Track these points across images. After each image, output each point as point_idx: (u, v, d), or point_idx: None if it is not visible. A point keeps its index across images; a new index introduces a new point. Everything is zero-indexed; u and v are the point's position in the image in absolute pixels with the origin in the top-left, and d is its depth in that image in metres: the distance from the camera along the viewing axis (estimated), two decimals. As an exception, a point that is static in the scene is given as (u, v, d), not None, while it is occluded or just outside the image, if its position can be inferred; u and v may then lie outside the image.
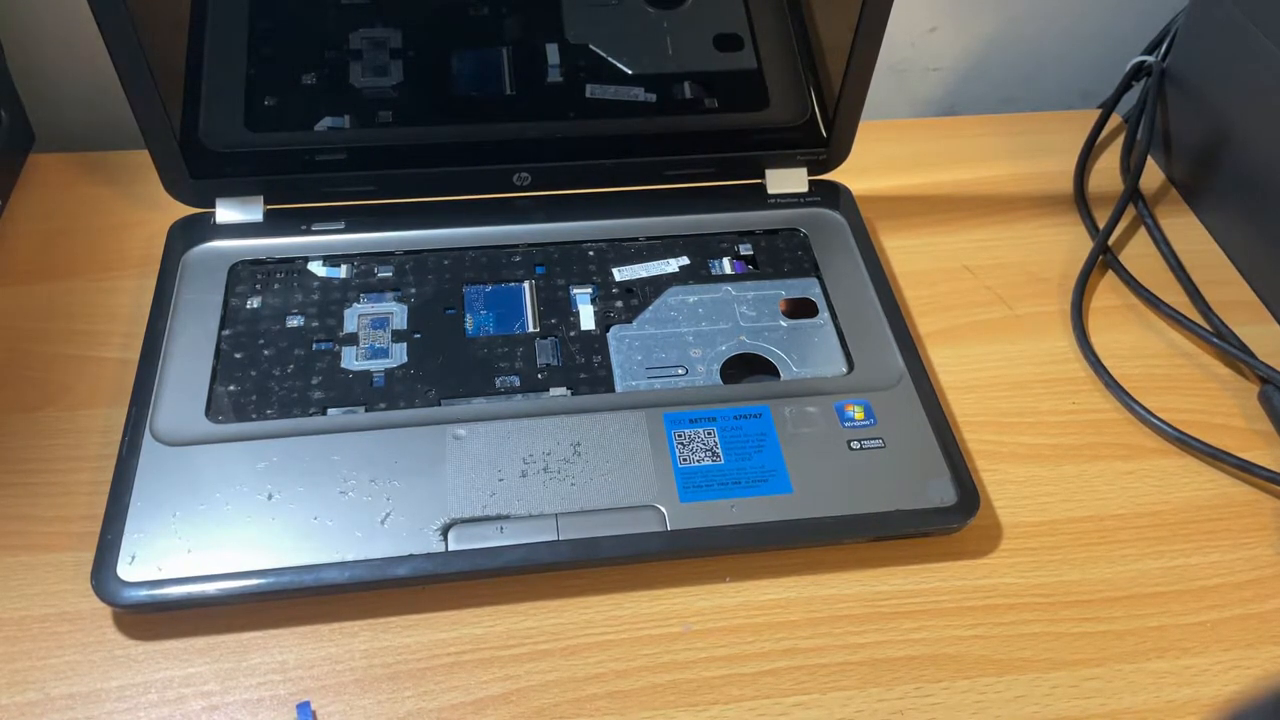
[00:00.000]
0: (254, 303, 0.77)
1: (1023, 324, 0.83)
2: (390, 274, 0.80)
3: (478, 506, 0.66)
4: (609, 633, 0.64)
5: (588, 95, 0.82)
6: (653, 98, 0.83)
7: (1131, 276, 0.86)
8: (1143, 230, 0.91)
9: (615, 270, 0.81)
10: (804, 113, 0.85)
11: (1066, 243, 0.90)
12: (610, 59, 0.81)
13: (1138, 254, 0.89)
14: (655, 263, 0.82)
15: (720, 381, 0.74)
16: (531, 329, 0.77)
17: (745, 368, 0.76)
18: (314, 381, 0.73)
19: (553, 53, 0.80)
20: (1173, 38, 0.96)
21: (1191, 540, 0.70)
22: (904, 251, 0.88)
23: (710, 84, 0.83)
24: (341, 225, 0.82)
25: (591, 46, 0.80)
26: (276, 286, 0.79)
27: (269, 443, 0.69)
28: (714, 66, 0.83)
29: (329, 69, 0.78)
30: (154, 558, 0.63)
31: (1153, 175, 0.97)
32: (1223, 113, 0.89)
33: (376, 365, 0.74)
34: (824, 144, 0.86)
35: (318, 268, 0.80)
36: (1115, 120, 1.03)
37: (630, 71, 0.81)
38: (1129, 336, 0.83)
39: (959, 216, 0.92)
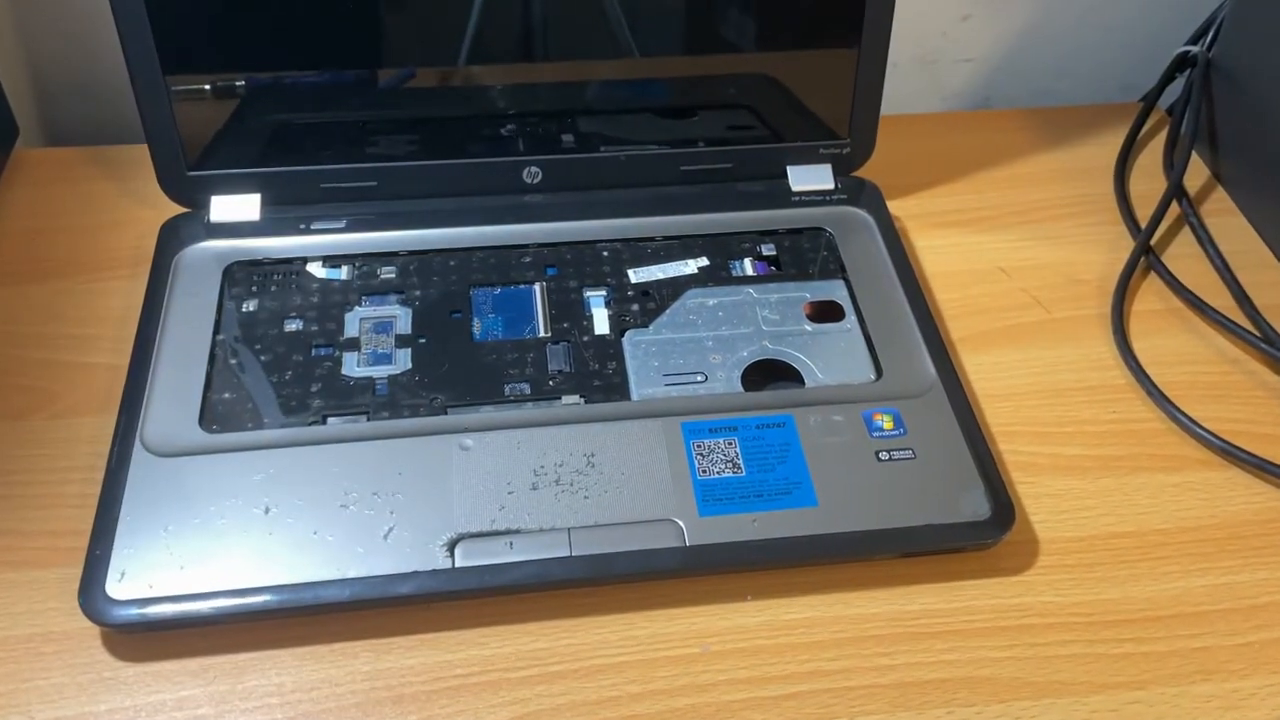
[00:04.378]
0: (250, 306, 0.77)
1: (1060, 328, 0.83)
2: (394, 275, 0.80)
3: (486, 521, 0.66)
4: (624, 654, 0.64)
5: (603, 89, 0.82)
6: (669, 90, 0.83)
7: (1175, 279, 0.86)
8: (1187, 230, 0.91)
9: (631, 272, 0.81)
10: (824, 105, 0.85)
11: (1106, 243, 0.90)
12: (626, 50, 0.81)
13: (1182, 255, 0.89)
14: (673, 264, 0.82)
15: (741, 389, 0.74)
16: (542, 333, 0.77)
17: (768, 374, 0.76)
18: (313, 389, 0.73)
19: (564, 45, 0.80)
20: (1218, 26, 0.96)
21: (1239, 557, 0.70)
22: (935, 252, 0.88)
23: (728, 77, 0.84)
24: (342, 224, 0.82)
25: (611, 41, 0.80)
26: (274, 289, 0.79)
27: (266, 453, 0.69)
28: (733, 60, 0.83)
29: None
30: (145, 574, 0.63)
31: (1197, 172, 0.97)
32: (1271, 105, 0.88)
33: (379, 372, 0.74)
34: (846, 137, 0.86)
35: (317, 269, 0.80)
36: (1158, 114, 1.02)
37: (646, 62, 0.82)
38: (1172, 342, 0.82)
39: (993, 215, 0.92)
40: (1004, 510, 0.68)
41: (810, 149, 0.86)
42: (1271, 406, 0.79)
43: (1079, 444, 0.76)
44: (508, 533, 0.66)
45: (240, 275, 0.79)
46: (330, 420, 0.71)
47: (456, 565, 0.64)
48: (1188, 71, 0.99)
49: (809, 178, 0.87)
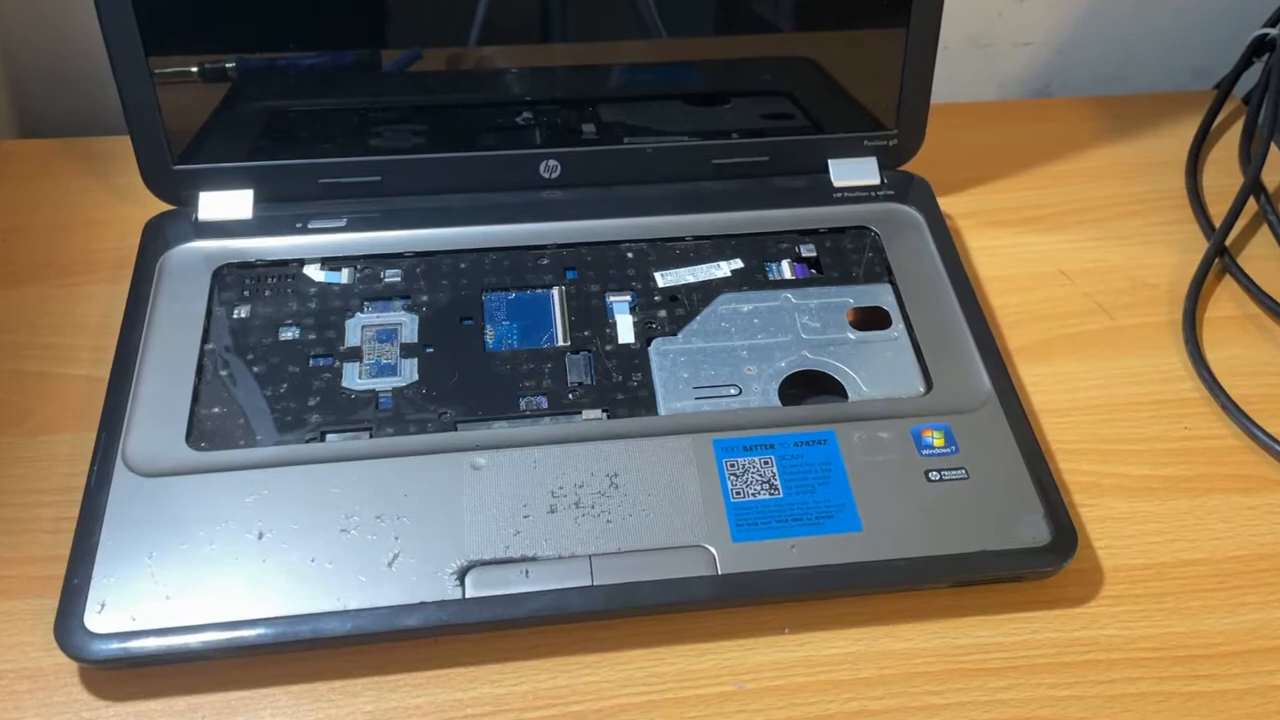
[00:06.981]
0: (242, 312, 0.77)
1: (1127, 337, 0.83)
2: (399, 279, 0.80)
3: (499, 547, 0.66)
4: (651, 692, 0.64)
5: (627, 74, 0.82)
6: (700, 75, 0.83)
7: (1252, 282, 0.85)
8: (1265, 229, 0.91)
9: (658, 275, 0.81)
10: (869, 92, 0.85)
11: (1177, 243, 0.89)
12: (652, 30, 0.81)
13: (1260, 256, 0.89)
14: (703, 266, 0.82)
15: (779, 403, 0.74)
16: (561, 342, 0.77)
17: (807, 387, 0.76)
18: (311, 403, 0.73)
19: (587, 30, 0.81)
20: (1300, 7, 0.96)
21: (1324, 587, 0.70)
22: (990, 253, 0.88)
23: (765, 61, 0.84)
24: (342, 223, 0.82)
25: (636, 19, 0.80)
26: (268, 293, 0.79)
27: (259, 473, 0.68)
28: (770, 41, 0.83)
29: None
30: (127, 605, 0.63)
31: (1277, 165, 0.96)
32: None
33: (383, 384, 0.74)
34: (893, 127, 0.86)
35: (315, 272, 0.80)
36: (1233, 102, 1.02)
37: (675, 44, 0.82)
38: (1249, 352, 0.82)
39: (1053, 213, 0.92)
40: (1065, 535, 0.68)
41: (854, 140, 0.86)
42: (1359, 422, 0.78)
43: (1147, 463, 0.75)
44: (523, 560, 0.65)
45: (231, 279, 0.79)
46: (329, 437, 0.71)
47: (467, 595, 0.64)
48: (1266, 56, 0.99)
49: (852, 172, 0.86)
